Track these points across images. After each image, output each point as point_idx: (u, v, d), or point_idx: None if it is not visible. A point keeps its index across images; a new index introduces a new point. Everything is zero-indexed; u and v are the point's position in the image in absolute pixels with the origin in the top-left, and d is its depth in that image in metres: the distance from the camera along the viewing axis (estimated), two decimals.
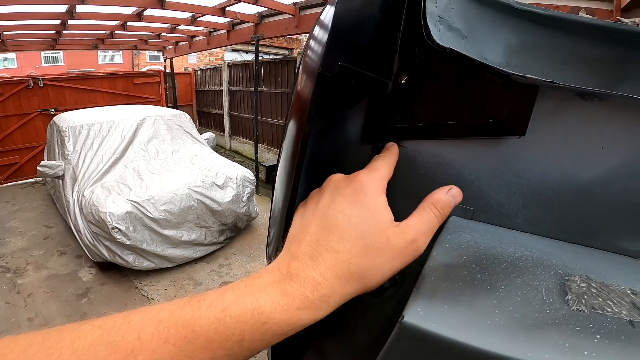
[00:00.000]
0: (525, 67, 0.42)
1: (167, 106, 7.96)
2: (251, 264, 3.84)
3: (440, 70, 0.44)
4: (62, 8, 4.57)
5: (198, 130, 5.10)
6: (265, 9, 4.97)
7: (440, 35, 0.41)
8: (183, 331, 0.27)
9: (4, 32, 5.32)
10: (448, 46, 0.39)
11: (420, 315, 0.27)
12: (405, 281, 0.45)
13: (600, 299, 0.30)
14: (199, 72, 10.48)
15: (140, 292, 3.38)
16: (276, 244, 0.46)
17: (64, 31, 5.68)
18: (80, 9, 4.61)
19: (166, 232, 3.45)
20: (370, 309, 0.50)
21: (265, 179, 5.72)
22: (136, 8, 4.89)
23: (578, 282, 0.32)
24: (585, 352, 0.24)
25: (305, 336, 0.54)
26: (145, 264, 3.43)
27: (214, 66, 9.83)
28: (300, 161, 0.38)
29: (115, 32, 6.20)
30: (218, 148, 5.77)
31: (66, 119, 4.37)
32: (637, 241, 0.39)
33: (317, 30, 0.39)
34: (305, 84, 0.39)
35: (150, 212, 3.33)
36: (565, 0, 2.61)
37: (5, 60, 17.05)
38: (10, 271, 3.73)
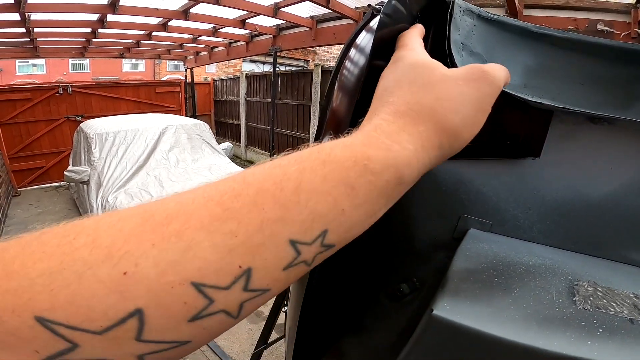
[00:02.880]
0: (542, 88, 0.45)
1: (186, 115, 8.16)
2: None
3: None
4: (94, 17, 4.73)
5: (216, 139, 5.23)
6: (283, 21, 5.09)
7: (463, 62, 0.45)
8: (232, 183, 0.22)
9: (37, 39, 5.54)
10: None
11: (447, 309, 0.32)
12: (424, 289, 0.49)
13: (604, 301, 0.34)
14: (217, 82, 10.69)
15: None
16: None
17: (93, 39, 5.90)
18: (110, 18, 4.78)
19: None
20: (389, 313, 0.54)
21: None
22: (162, 18, 5.07)
23: (585, 286, 0.36)
24: (589, 342, 0.28)
25: (325, 339, 0.58)
26: None
27: (232, 76, 10.02)
28: None
29: (141, 41, 6.43)
30: (234, 158, 5.89)
31: (93, 126, 4.54)
32: None
33: (353, 55, 0.42)
34: (341, 104, 0.43)
35: None
36: (583, 13, 2.63)
37: (34, 66, 17.61)
38: None
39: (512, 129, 0.46)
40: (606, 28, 2.41)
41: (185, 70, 8.91)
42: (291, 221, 0.21)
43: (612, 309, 0.33)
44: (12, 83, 9.48)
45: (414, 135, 0.28)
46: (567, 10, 2.62)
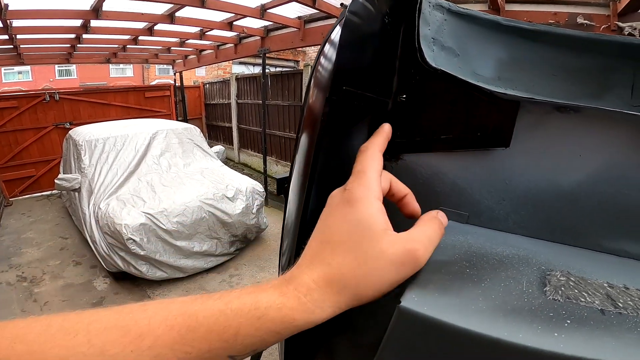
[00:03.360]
0: (515, 80, 0.45)
1: (177, 120, 8.10)
2: (261, 274, 3.88)
3: (434, 89, 0.48)
4: (77, 23, 4.68)
5: (208, 143, 5.20)
6: (271, 23, 5.07)
7: (434, 56, 0.45)
8: (188, 320, 0.30)
9: (21, 46, 5.45)
10: (440, 68, 0.44)
11: (414, 301, 0.32)
12: (407, 283, 0.49)
13: (576, 291, 0.33)
14: (207, 85, 10.64)
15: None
16: (289, 254, 0.49)
17: (78, 45, 5.83)
18: (94, 23, 4.74)
19: (179, 243, 3.52)
20: (380, 310, 0.53)
21: (276, 191, 5.77)
22: (147, 23, 5.01)
23: (558, 276, 0.36)
24: (555, 334, 0.28)
25: (317, 338, 0.58)
26: (158, 274, 3.50)
27: (222, 79, 9.99)
28: (313, 176, 0.42)
29: (127, 46, 6.36)
30: (227, 161, 5.86)
31: (82, 133, 4.50)
32: (619, 240, 0.43)
33: (327, 49, 0.42)
34: (316, 100, 0.42)
35: (163, 224, 3.41)
36: (563, 7, 2.65)
37: (19, 73, 17.24)
38: (27, 280, 3.83)
39: (481, 120, 0.46)
40: (586, 21, 2.43)
41: (175, 74, 8.84)
42: (230, 349, 0.31)
43: (583, 299, 0.32)
44: None
45: (336, 303, 0.34)
46: (547, 4, 2.63)
